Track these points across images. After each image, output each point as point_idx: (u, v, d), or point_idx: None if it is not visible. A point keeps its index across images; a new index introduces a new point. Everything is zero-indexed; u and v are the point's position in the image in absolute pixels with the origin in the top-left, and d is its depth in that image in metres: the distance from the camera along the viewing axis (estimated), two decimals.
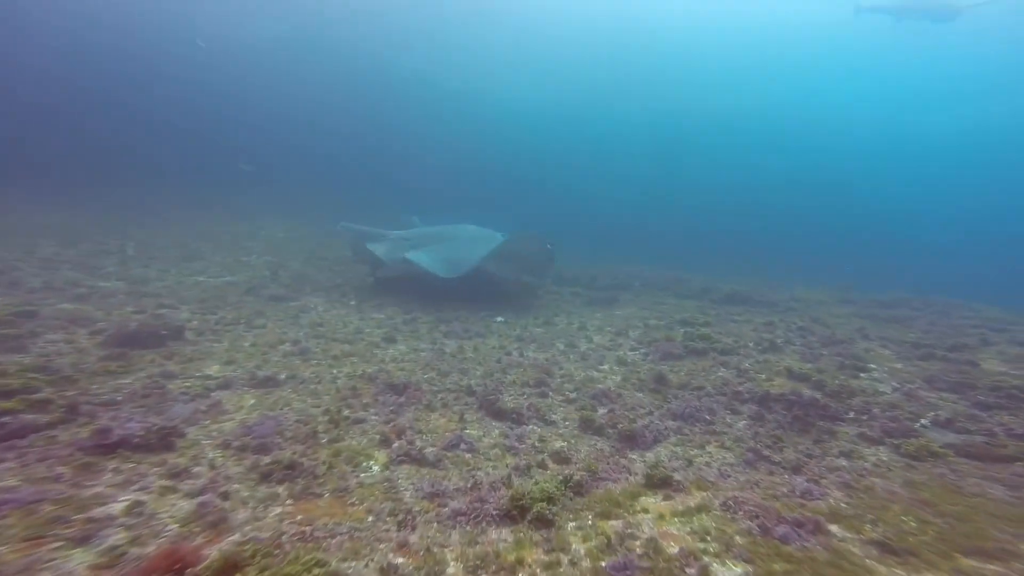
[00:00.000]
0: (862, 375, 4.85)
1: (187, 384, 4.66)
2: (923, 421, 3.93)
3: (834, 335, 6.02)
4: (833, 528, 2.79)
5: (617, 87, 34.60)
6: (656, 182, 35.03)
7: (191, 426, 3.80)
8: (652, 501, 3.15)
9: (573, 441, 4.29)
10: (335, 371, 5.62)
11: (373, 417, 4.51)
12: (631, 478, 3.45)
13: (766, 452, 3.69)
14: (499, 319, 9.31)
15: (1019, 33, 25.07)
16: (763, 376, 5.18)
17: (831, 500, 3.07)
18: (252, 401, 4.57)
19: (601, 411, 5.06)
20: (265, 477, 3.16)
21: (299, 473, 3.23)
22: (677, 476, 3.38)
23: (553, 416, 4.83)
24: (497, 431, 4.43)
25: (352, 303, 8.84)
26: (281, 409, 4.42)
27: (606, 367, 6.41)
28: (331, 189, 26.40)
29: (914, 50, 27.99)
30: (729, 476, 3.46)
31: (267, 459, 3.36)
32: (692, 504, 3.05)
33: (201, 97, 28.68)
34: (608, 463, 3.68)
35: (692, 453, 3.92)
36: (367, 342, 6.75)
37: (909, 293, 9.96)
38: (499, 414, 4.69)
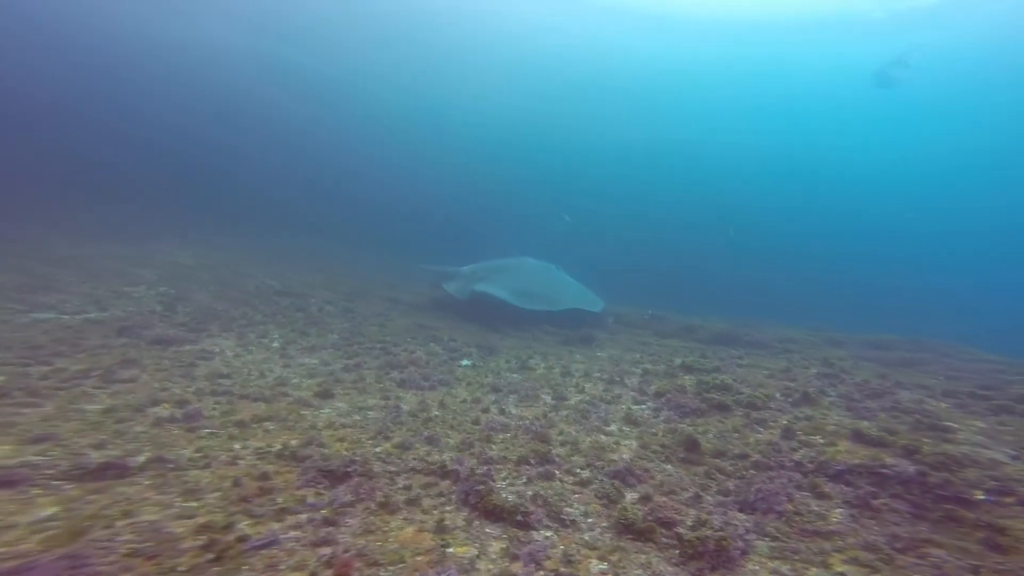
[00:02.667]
0: (951, 436, 3.97)
1: None
2: None
3: (869, 384, 5.26)
4: None
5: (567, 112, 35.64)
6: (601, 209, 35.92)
7: None
8: None
9: (616, 558, 2.82)
10: (237, 446, 3.71)
11: (293, 534, 2.72)
12: None
13: None
14: (464, 362, 7.72)
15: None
16: (820, 440, 4.14)
17: None
18: (51, 511, 2.59)
19: (631, 497, 3.66)
20: None
21: None
22: None
23: (571, 511, 3.33)
24: (497, 547, 2.84)
25: (275, 344, 6.79)
26: (109, 527, 2.49)
27: (614, 428, 5.08)
28: (259, 208, 23.62)
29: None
30: None
31: None
32: None
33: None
34: None
35: (810, 574, 2.62)
36: (292, 399, 4.84)
37: (876, 330, 9.97)
38: (495, 513, 3.11)
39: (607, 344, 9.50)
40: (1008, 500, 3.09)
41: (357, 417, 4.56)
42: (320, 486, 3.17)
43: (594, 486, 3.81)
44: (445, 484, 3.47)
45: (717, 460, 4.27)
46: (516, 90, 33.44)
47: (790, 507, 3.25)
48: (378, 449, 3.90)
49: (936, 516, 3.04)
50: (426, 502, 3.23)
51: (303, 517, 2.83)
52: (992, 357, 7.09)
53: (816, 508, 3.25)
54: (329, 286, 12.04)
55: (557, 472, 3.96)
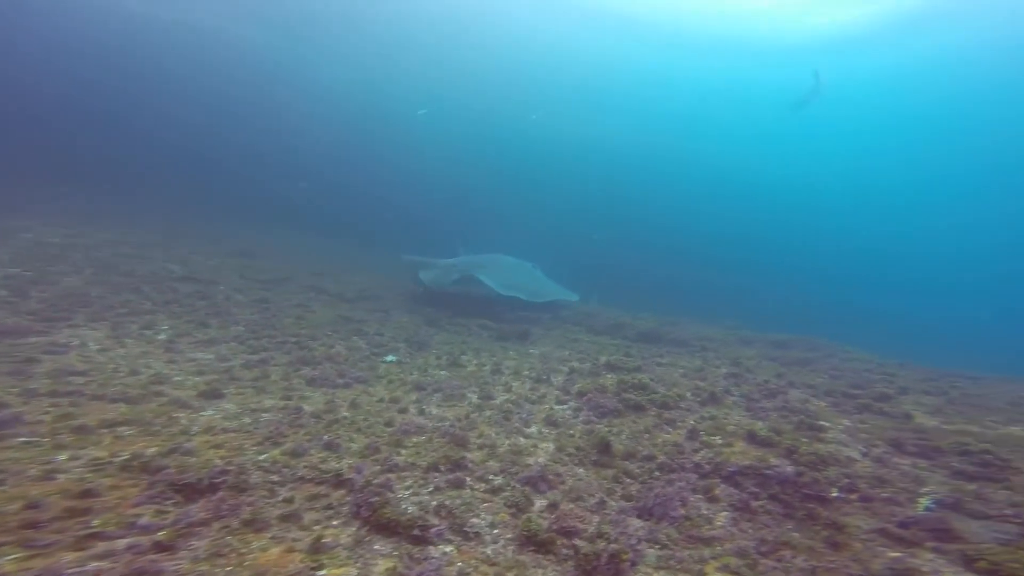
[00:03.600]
0: (825, 436, 4.33)
1: None
2: (924, 502, 3.36)
3: (767, 384, 5.66)
4: None
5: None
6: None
7: None
8: None
9: (513, 575, 2.70)
10: (62, 457, 3.10)
11: (92, 566, 2.27)
12: None
13: None
14: (389, 358, 7.31)
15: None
16: (719, 440, 4.35)
17: None
18: None
19: (539, 505, 3.58)
20: None
21: None
22: None
23: (476, 522, 3.17)
24: (384, 566, 2.60)
25: (162, 336, 5.93)
26: None
27: (534, 429, 5.00)
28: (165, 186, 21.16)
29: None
30: None
31: None
32: None
33: None
34: None
35: None
36: (167, 400, 4.20)
37: (782, 330, 10.95)
38: (389, 528, 2.86)
39: (541, 340, 9.51)
40: (852, 497, 3.41)
41: (247, 420, 4.05)
42: (168, 503, 2.72)
43: (506, 493, 3.68)
44: (338, 495, 3.15)
45: (627, 462, 4.33)
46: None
47: (683, 512, 3.34)
48: (262, 457, 3.47)
49: (800, 515, 3.27)
50: (308, 517, 2.90)
51: (121, 544, 2.37)
52: (866, 356, 8.05)
53: (706, 512, 3.36)
54: (246, 272, 10.90)
55: (469, 479, 3.78)
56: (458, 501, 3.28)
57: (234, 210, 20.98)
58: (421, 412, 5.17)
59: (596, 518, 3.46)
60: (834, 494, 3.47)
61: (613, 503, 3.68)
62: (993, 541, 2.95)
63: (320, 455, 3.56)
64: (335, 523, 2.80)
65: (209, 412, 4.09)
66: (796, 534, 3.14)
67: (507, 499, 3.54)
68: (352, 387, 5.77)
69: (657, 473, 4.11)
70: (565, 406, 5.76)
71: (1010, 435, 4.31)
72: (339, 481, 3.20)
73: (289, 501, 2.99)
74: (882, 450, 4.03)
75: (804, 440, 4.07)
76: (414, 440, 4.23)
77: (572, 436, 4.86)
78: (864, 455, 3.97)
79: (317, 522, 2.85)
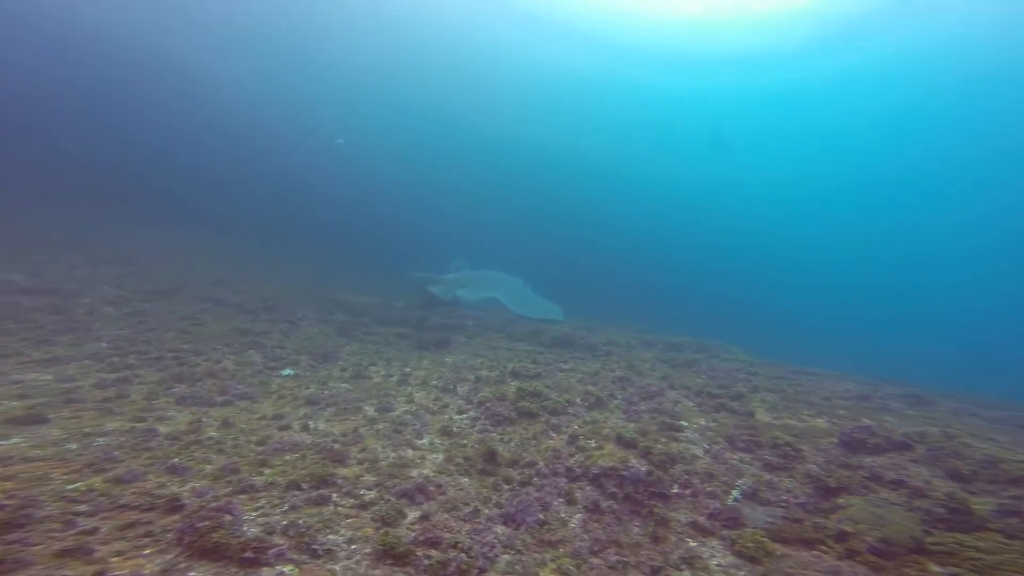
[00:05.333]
0: (679, 435, 4.80)
1: None
2: (735, 494, 3.86)
3: (649, 387, 6.17)
4: None
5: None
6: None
7: None
8: None
9: None
10: None
11: None
12: None
13: None
14: (286, 372, 6.91)
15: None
16: (593, 444, 4.66)
17: None
18: None
19: (412, 517, 3.58)
20: None
21: None
22: None
23: (332, 539, 3.09)
24: None
25: None
26: None
27: (425, 441, 5.00)
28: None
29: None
30: None
31: None
32: None
33: None
34: None
35: None
36: None
37: (681, 333, 12.01)
38: (216, 552, 2.67)
39: (460, 348, 9.52)
40: (687, 492, 3.85)
41: (72, 446, 3.58)
42: None
43: (376, 508, 3.62)
44: (166, 522, 2.89)
45: (510, 469, 4.48)
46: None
47: (542, 516, 3.53)
48: (73, 486, 3.08)
49: (644, 512, 3.62)
50: (110, 548, 2.60)
51: None
52: (743, 357, 9.11)
53: (563, 515, 3.59)
54: (127, 282, 9.67)
55: (336, 496, 3.67)
56: (315, 519, 3.17)
57: (118, 211, 18.56)
58: (305, 428, 4.93)
59: (467, 527, 3.54)
60: (674, 491, 3.87)
61: (486, 511, 3.79)
62: (763, 525, 3.49)
63: (159, 480, 3.26)
64: (145, 552, 2.57)
65: (14, 440, 3.56)
66: (636, 529, 3.46)
67: (376, 513, 3.50)
68: (233, 405, 5.36)
69: (536, 479, 4.31)
70: (465, 415, 5.82)
71: (815, 427, 5.12)
72: (173, 507, 2.96)
73: (89, 533, 2.69)
74: (720, 447, 4.57)
75: (662, 440, 4.50)
76: (285, 458, 4.02)
77: (464, 446, 4.93)
78: (706, 452, 4.48)
79: (118, 552, 2.58)
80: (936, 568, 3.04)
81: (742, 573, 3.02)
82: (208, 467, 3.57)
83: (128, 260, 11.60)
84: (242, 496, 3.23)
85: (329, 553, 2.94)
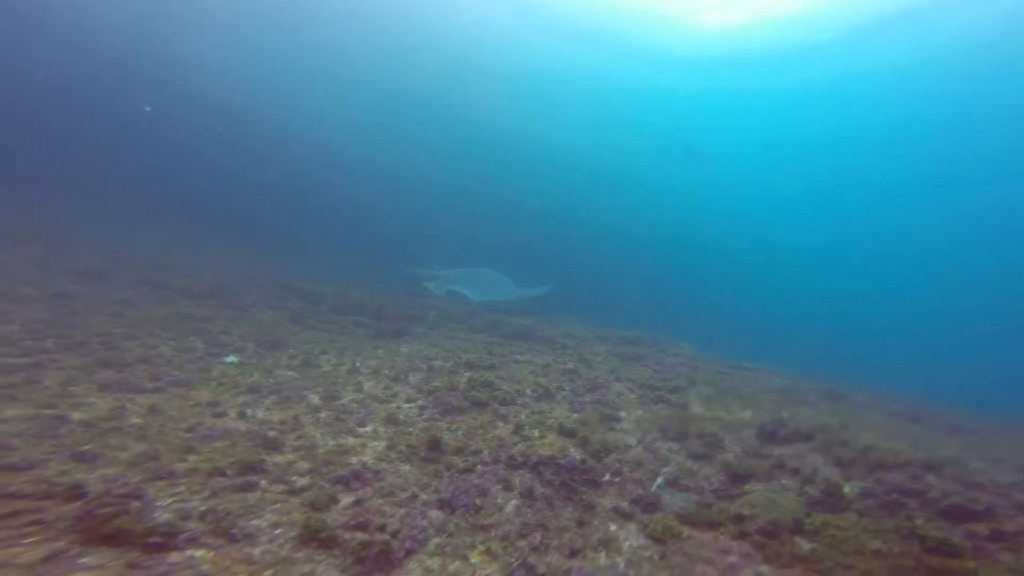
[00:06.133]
0: (616, 426, 5.00)
1: None
2: (658, 481, 4.08)
3: (596, 379, 6.37)
4: None
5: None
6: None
7: None
8: None
9: (270, 572, 2.64)
10: None
11: None
12: None
13: (532, 559, 3.00)
14: (229, 359, 6.63)
15: None
16: (537, 433, 4.78)
17: None
18: None
19: (344, 503, 3.56)
20: None
21: None
22: None
23: (256, 523, 3.03)
24: None
25: None
26: None
27: (369, 429, 4.95)
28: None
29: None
30: None
31: None
32: None
33: None
34: None
35: (450, 570, 2.88)
36: None
37: (643, 329, 12.43)
38: (115, 538, 2.55)
39: (418, 338, 9.44)
40: (617, 480, 4.05)
41: None
42: None
43: (308, 494, 3.57)
44: (62, 510, 2.72)
45: (455, 457, 4.52)
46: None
47: (479, 502, 3.60)
48: None
49: (576, 499, 3.78)
50: None
51: None
52: (688, 351, 9.58)
53: (500, 501, 3.67)
54: (52, 263, 8.91)
55: (264, 482, 3.59)
56: (237, 505, 3.10)
57: (48, 191, 17.03)
58: (242, 416, 4.76)
59: (401, 511, 3.56)
60: (605, 478, 4.05)
61: (424, 496, 3.82)
62: (676, 510, 3.75)
63: (61, 467, 3.07)
64: (28, 540, 2.43)
65: None
66: (565, 514, 3.60)
67: (307, 499, 3.46)
68: (165, 391, 5.09)
69: (480, 467, 4.38)
70: (413, 404, 5.81)
71: (740, 419, 5.50)
72: (74, 494, 2.80)
73: None
74: (652, 436, 4.82)
75: (600, 430, 4.68)
76: (214, 446, 3.88)
77: (409, 434, 4.92)
78: (639, 442, 4.71)
79: None
80: (804, 544, 3.40)
81: (647, 553, 3.22)
82: (124, 454, 3.40)
83: (57, 241, 10.70)
84: (159, 483, 3.10)
85: (249, 537, 2.89)
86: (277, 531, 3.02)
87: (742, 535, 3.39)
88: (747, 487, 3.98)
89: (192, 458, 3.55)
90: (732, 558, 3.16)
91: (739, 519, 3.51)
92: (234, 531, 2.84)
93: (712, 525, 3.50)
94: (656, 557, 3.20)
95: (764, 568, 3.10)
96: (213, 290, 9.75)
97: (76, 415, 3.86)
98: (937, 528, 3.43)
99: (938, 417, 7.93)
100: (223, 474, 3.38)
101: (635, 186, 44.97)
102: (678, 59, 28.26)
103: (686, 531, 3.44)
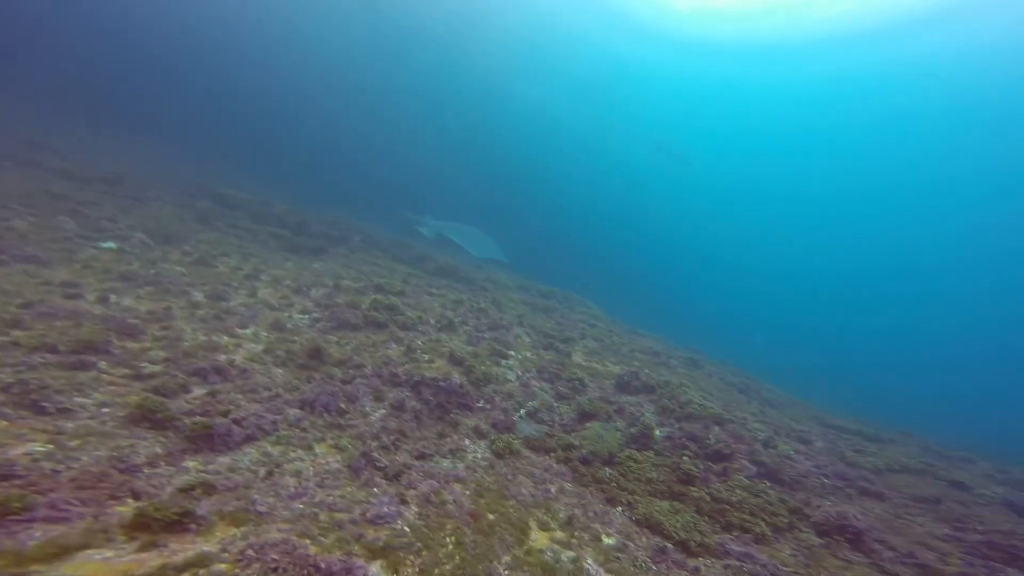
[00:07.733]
0: (503, 362, 5.28)
1: None
2: (521, 411, 4.44)
3: (501, 320, 6.59)
4: (373, 570, 2.42)
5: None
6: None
7: None
8: (106, 556, 1.99)
9: (73, 443, 2.58)
10: None
11: None
12: (113, 516, 2.17)
13: (377, 454, 3.18)
14: (106, 244, 6.00)
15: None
16: (427, 357, 4.92)
17: (400, 522, 2.75)
18: None
19: (196, 393, 3.49)
20: None
21: None
22: (203, 508, 2.31)
23: (76, 400, 2.90)
24: None
25: None
26: None
27: (248, 331, 4.79)
28: None
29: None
30: (306, 494, 2.70)
31: None
32: (179, 560, 2.07)
33: None
34: (91, 488, 2.23)
35: (290, 457, 2.98)
36: None
37: (570, 288, 12.95)
38: None
39: (336, 259, 9.07)
40: (487, 407, 4.36)
41: None
42: None
43: (156, 380, 3.44)
44: None
45: (335, 368, 4.55)
46: None
47: (344, 407, 3.69)
48: None
49: (448, 418, 4.04)
50: None
51: None
52: (595, 312, 10.24)
53: (367, 409, 3.80)
54: None
55: (103, 364, 3.40)
56: (62, 381, 2.93)
57: None
58: (102, 301, 4.39)
59: (257, 406, 3.57)
60: (479, 404, 4.33)
61: (288, 396, 3.85)
62: (531, 433, 4.22)
63: None
64: None
65: None
66: (431, 428, 3.85)
67: (153, 385, 3.34)
68: (8, 266, 4.52)
69: (359, 379, 4.45)
70: (307, 316, 5.67)
71: (608, 371, 6.08)
72: None
73: None
74: (531, 375, 5.19)
75: (487, 363, 4.93)
76: (53, 324, 3.57)
77: (292, 342, 4.84)
78: (517, 378, 5.05)
79: None
80: (607, 471, 4.07)
81: (484, 463, 3.57)
82: None
83: None
84: None
85: (65, 411, 2.76)
86: (104, 410, 2.91)
87: (566, 460, 3.91)
88: (588, 424, 4.47)
89: (16, 332, 3.25)
90: (548, 475, 3.61)
91: (568, 447, 4.03)
92: (45, 404, 2.69)
93: (547, 450, 3.94)
94: (490, 466, 3.54)
95: (568, 485, 3.62)
96: (107, 178, 8.55)
97: None
98: (693, 465, 4.30)
99: (761, 391, 9.27)
100: (53, 351, 3.14)
101: (598, 156, 44.66)
102: (662, 37, 27.23)
103: (525, 452, 3.83)
